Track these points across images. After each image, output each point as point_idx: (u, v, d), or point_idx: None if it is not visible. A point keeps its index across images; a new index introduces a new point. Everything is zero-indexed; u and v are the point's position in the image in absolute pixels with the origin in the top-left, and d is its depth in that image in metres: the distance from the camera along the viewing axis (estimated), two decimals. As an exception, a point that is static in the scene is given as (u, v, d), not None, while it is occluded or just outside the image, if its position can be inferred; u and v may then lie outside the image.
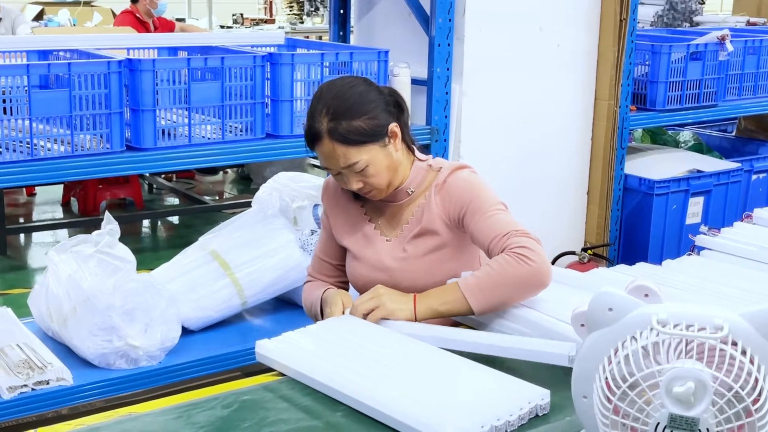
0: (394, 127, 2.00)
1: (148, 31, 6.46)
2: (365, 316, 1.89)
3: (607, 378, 1.17)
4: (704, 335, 1.13)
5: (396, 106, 2.04)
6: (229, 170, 7.45)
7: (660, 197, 4.11)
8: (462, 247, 2.06)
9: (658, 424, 1.14)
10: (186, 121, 3.05)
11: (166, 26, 6.92)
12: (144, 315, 2.56)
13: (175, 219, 6.36)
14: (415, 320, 1.88)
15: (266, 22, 11.59)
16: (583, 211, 4.13)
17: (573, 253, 4.01)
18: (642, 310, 1.19)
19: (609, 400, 1.17)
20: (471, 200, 2.00)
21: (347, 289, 2.24)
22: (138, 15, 6.59)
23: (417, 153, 2.13)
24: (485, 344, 1.74)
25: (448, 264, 2.04)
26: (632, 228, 4.18)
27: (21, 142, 2.76)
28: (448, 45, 3.47)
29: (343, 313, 1.95)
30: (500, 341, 1.74)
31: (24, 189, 6.54)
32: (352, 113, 1.94)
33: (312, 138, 1.98)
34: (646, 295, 1.27)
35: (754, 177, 4.57)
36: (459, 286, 1.89)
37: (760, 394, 1.11)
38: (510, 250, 1.89)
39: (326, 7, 9.48)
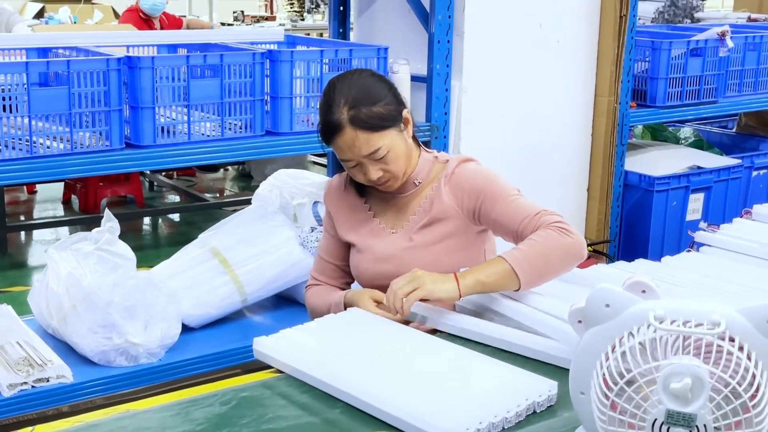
0: (406, 113, 2.04)
1: (151, 29, 6.43)
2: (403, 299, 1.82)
3: (604, 374, 1.17)
4: (701, 331, 1.13)
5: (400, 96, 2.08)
6: (230, 168, 7.45)
7: (660, 194, 4.11)
8: (468, 240, 2.08)
9: (656, 420, 1.14)
10: (185, 118, 3.05)
11: (174, 23, 6.85)
12: (144, 312, 2.56)
13: (175, 216, 6.36)
14: (460, 296, 1.85)
15: (267, 19, 11.58)
16: (583, 208, 4.13)
17: (573, 249, 4.01)
18: (639, 306, 1.19)
19: (606, 397, 1.17)
20: (487, 188, 2.02)
21: None
22: (141, 14, 6.56)
23: (422, 146, 2.16)
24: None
25: (453, 255, 2.05)
26: (632, 224, 4.18)
27: (20, 139, 2.76)
28: (448, 41, 3.47)
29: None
30: (480, 361, 1.67)
31: (25, 187, 6.53)
32: (371, 99, 1.96)
33: (332, 130, 1.97)
34: (644, 291, 1.27)
35: (754, 173, 4.56)
36: (505, 259, 1.87)
37: (757, 390, 1.11)
38: (548, 225, 1.92)
39: (326, 4, 9.46)
